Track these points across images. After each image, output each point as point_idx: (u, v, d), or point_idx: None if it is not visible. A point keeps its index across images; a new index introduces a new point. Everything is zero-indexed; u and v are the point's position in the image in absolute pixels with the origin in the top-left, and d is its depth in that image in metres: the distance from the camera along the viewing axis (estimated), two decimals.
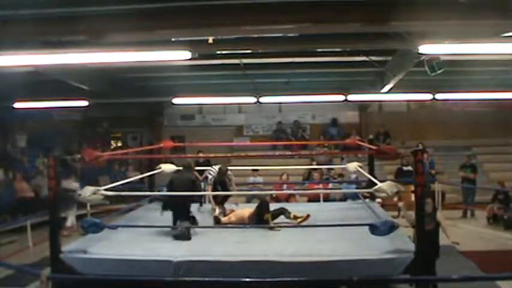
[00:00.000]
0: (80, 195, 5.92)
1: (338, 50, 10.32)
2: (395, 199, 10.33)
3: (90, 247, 5.74)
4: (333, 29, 7.69)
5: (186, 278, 5.13)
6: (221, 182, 8.13)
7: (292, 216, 6.98)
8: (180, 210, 6.54)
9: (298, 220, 6.90)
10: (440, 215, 6.22)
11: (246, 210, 7.33)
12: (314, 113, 17.14)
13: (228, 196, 8.13)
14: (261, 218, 6.86)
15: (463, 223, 11.41)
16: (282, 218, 7.01)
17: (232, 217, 7.21)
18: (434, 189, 11.39)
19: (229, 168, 8.41)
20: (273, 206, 7.47)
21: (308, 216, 6.94)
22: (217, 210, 7.40)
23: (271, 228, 6.65)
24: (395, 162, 12.65)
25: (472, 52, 7.25)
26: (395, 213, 11.00)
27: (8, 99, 12.74)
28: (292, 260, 5.31)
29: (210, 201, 8.25)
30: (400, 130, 16.18)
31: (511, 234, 10.24)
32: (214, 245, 5.96)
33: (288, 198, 12.48)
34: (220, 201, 8.00)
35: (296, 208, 8.21)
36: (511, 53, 7.81)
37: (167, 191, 7.01)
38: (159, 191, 9.42)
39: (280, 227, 6.69)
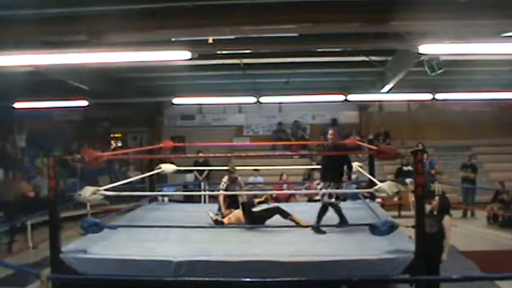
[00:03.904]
0: (80, 195, 5.92)
1: (338, 50, 10.31)
2: (395, 199, 10.39)
3: (90, 247, 5.75)
4: (333, 29, 7.68)
5: (186, 278, 5.14)
6: (232, 184, 8.02)
7: (290, 218, 6.93)
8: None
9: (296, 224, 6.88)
10: (448, 219, 6.16)
11: None
12: (314, 113, 17.13)
13: (235, 200, 7.92)
14: (253, 217, 6.87)
15: (463, 223, 11.40)
16: (280, 219, 6.98)
17: (232, 218, 7.21)
18: (434, 189, 11.42)
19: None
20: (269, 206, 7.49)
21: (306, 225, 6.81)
22: (211, 214, 7.37)
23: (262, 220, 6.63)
24: (395, 162, 12.65)
25: (472, 52, 7.23)
26: (396, 213, 11.00)
27: (8, 99, 12.73)
28: (292, 260, 5.31)
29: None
30: (400, 130, 16.18)
31: (511, 234, 10.24)
32: (214, 245, 5.97)
33: (288, 198, 12.50)
34: (229, 205, 7.87)
35: (296, 208, 8.21)
36: (511, 53, 7.80)
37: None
38: (159, 191, 9.44)
39: (280, 227, 6.68)
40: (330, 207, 6.87)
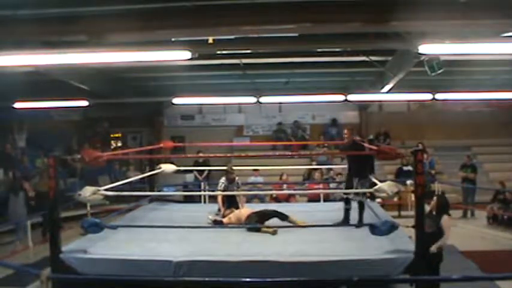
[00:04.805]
0: (80, 195, 5.92)
1: (338, 50, 10.31)
2: (395, 199, 10.38)
3: (90, 247, 5.75)
4: (333, 29, 7.68)
5: (186, 278, 5.13)
6: (230, 185, 8.08)
7: (288, 220, 6.93)
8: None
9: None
10: (447, 219, 6.16)
11: (245, 210, 7.33)
12: (314, 113, 17.12)
13: (234, 200, 7.98)
14: (252, 220, 6.90)
15: (463, 223, 11.41)
16: (279, 220, 6.97)
17: (232, 217, 7.21)
18: (434, 189, 11.41)
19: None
20: (269, 207, 7.48)
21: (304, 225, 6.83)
22: (210, 216, 7.37)
23: (259, 230, 6.62)
24: (395, 162, 12.65)
25: (472, 52, 7.23)
26: (396, 213, 10.99)
27: (8, 99, 12.73)
28: (292, 260, 5.31)
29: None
30: (400, 130, 16.17)
31: (511, 234, 10.24)
32: (214, 245, 5.97)
33: (288, 198, 12.51)
34: (227, 205, 7.91)
35: (296, 208, 8.22)
36: (511, 53, 7.80)
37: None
38: (159, 191, 9.43)
39: (280, 227, 6.68)
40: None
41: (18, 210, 10.63)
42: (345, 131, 7.56)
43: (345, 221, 6.95)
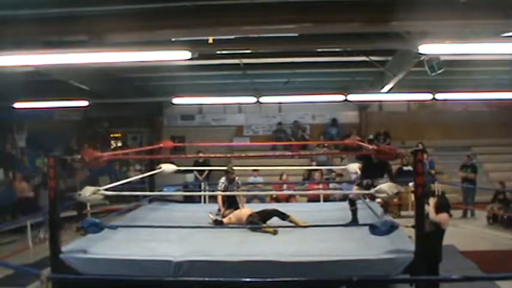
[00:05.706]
0: (80, 195, 5.92)
1: (338, 50, 10.30)
2: (395, 200, 10.39)
3: (90, 247, 5.75)
4: (333, 29, 7.68)
5: (186, 278, 5.14)
6: (230, 185, 8.11)
7: (289, 219, 6.93)
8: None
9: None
10: (445, 216, 6.15)
11: (245, 210, 7.33)
12: (314, 113, 17.12)
13: (234, 200, 7.97)
14: (253, 220, 6.91)
15: (463, 223, 11.41)
16: (279, 220, 6.97)
17: (232, 217, 7.21)
18: (434, 189, 11.42)
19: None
20: (270, 207, 7.48)
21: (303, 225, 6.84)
22: (212, 216, 7.37)
23: (262, 229, 6.63)
24: (395, 162, 12.63)
25: (472, 52, 7.23)
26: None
27: (8, 99, 12.73)
28: (292, 260, 5.31)
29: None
30: (400, 130, 16.17)
31: (511, 234, 10.24)
32: (214, 245, 5.97)
33: (288, 199, 12.52)
34: (227, 205, 7.92)
35: (296, 208, 8.22)
36: (511, 53, 7.80)
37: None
38: (159, 191, 9.42)
39: (280, 227, 6.68)
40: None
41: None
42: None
43: (354, 222, 7.04)
